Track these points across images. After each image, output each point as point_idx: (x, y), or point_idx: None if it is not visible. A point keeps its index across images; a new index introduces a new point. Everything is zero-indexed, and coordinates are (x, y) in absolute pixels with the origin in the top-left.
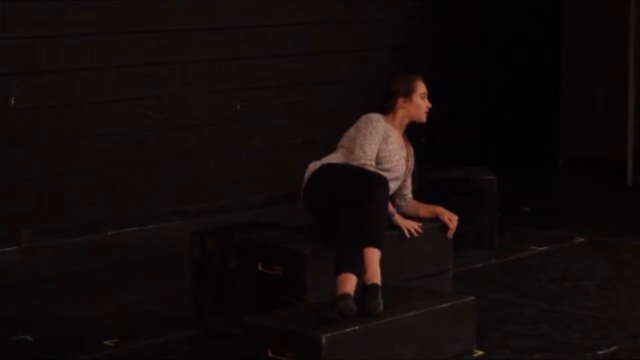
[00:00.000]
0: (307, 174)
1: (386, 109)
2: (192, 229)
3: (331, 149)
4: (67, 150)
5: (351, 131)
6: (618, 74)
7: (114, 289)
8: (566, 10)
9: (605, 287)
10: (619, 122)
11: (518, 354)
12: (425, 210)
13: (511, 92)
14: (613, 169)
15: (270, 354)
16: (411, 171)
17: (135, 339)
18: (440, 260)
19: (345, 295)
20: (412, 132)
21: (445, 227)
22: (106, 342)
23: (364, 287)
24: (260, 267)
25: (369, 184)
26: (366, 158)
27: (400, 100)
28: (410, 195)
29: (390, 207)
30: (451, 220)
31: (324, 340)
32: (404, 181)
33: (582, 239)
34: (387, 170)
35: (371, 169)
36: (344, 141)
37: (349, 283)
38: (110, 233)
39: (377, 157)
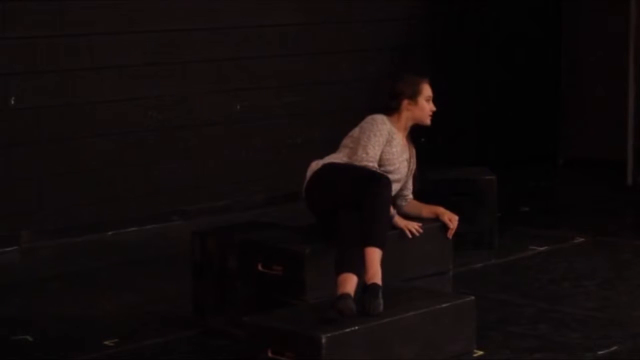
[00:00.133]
0: (309, 173)
1: (391, 110)
2: (192, 229)
3: (331, 148)
4: (67, 150)
5: (355, 131)
6: (618, 74)
7: (114, 289)
8: (566, 10)
9: (605, 287)
10: (619, 122)
11: (518, 354)
12: (425, 210)
13: (511, 92)
14: (613, 169)
15: (270, 354)
16: (413, 172)
17: (135, 339)
18: (441, 260)
19: (345, 295)
20: (413, 132)
21: (445, 227)
22: (106, 342)
23: (364, 287)
24: (260, 267)
25: (373, 183)
26: (369, 160)
27: (406, 102)
28: (410, 196)
29: (391, 210)
30: (451, 220)
31: (324, 340)
32: (406, 182)
33: (582, 239)
34: (389, 172)
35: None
36: (347, 141)
37: (349, 283)
38: (110, 233)
39: (380, 159)
